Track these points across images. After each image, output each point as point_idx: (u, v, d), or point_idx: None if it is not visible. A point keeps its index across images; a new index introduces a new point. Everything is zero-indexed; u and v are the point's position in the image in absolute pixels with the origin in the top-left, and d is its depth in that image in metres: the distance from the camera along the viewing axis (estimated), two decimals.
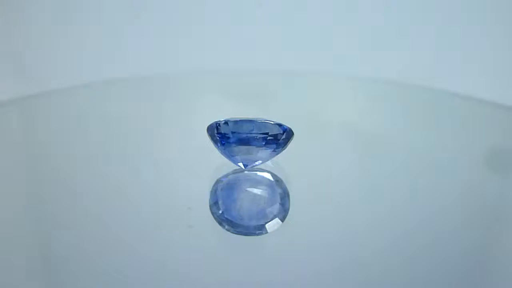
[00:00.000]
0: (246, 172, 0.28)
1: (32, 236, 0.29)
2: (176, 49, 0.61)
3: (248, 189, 0.27)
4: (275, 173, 0.28)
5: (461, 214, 0.31)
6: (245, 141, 0.29)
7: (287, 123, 0.30)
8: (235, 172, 0.29)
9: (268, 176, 0.27)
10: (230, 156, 0.30)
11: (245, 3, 0.61)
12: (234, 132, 0.29)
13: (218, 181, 0.27)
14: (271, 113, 0.37)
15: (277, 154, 0.30)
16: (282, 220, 0.27)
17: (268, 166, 0.30)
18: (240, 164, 0.30)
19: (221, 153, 0.30)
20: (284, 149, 0.30)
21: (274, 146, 0.29)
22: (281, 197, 0.27)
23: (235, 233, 0.27)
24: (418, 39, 0.61)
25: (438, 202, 0.31)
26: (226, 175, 0.28)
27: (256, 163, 0.30)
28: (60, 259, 0.27)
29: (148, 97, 0.49)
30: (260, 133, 0.29)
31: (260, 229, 0.27)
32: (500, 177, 0.37)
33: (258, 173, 0.28)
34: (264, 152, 0.29)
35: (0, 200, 0.31)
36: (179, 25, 0.61)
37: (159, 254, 0.26)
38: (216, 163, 0.31)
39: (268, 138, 0.29)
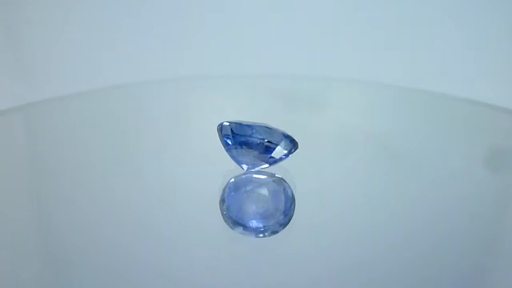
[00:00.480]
0: (255, 174, 0.28)
1: (39, 240, 0.29)
2: (187, 53, 0.61)
3: (252, 190, 0.27)
4: (286, 177, 0.28)
5: (466, 216, 0.31)
6: (245, 144, 0.30)
7: (298, 130, 0.30)
8: (246, 173, 0.29)
9: (276, 180, 0.28)
10: (233, 156, 0.30)
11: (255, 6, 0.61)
12: (236, 134, 0.30)
13: (229, 180, 0.28)
14: (277, 118, 0.37)
15: (279, 161, 0.30)
16: (285, 224, 0.27)
17: (279, 170, 0.30)
18: (244, 166, 0.30)
19: (227, 153, 0.31)
20: (287, 157, 0.30)
21: (274, 154, 0.30)
22: (285, 202, 0.27)
23: (237, 232, 0.27)
24: (425, 43, 0.61)
25: (443, 206, 0.31)
26: (238, 175, 0.28)
27: (260, 167, 0.30)
28: (67, 263, 0.27)
29: (158, 101, 0.49)
30: (259, 138, 0.30)
31: (259, 231, 0.27)
32: (504, 179, 0.37)
33: (268, 176, 0.28)
34: (264, 157, 0.30)
35: (4, 206, 0.31)
36: (190, 29, 0.62)
37: (160, 249, 0.27)
38: (233, 163, 0.32)
39: (266, 144, 0.30)
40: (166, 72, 0.60)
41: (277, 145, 0.30)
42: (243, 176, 0.28)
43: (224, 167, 0.32)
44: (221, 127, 0.30)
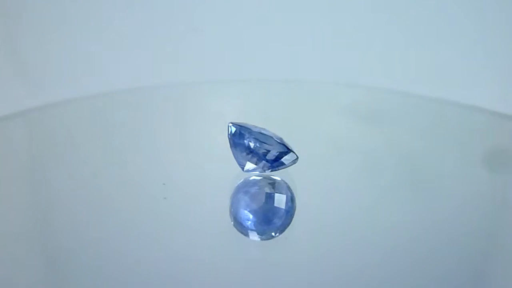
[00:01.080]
0: (264, 177, 0.29)
1: (39, 244, 0.29)
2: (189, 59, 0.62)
3: (255, 192, 0.28)
4: (291, 183, 0.29)
5: (468, 222, 0.31)
6: (242, 147, 0.31)
7: (303, 136, 0.30)
8: (260, 174, 0.30)
9: (280, 186, 0.28)
10: (235, 157, 0.31)
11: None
12: (235, 136, 0.31)
13: (240, 180, 0.29)
14: (289, 124, 0.38)
15: (275, 168, 0.31)
16: (281, 230, 0.27)
17: (286, 175, 0.31)
18: (245, 168, 0.31)
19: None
20: (284, 166, 0.31)
21: (269, 161, 0.30)
22: (285, 208, 0.27)
23: (238, 231, 0.28)
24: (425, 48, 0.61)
25: (445, 212, 0.31)
26: (249, 176, 0.29)
27: (258, 171, 0.31)
28: (68, 267, 0.27)
29: (162, 105, 0.49)
30: (253, 142, 0.30)
31: (256, 233, 0.27)
32: (506, 182, 0.37)
33: (273, 181, 0.28)
34: (258, 162, 0.30)
35: (4, 210, 0.31)
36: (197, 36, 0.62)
37: (161, 246, 0.28)
38: None
39: (258, 148, 0.30)
40: (167, 77, 0.60)
41: (268, 151, 0.30)
42: (251, 178, 0.28)
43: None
44: (227, 127, 0.31)
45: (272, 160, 0.30)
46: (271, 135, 0.31)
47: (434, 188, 0.34)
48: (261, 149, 0.30)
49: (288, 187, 0.28)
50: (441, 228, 0.29)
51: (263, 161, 0.30)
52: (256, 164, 0.31)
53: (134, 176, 0.35)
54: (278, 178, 0.28)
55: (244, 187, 0.28)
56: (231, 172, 0.32)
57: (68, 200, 0.32)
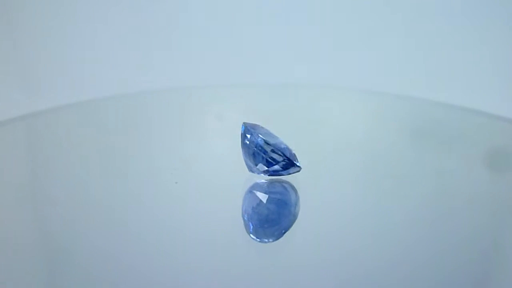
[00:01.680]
0: (274, 181, 0.29)
1: (39, 249, 0.29)
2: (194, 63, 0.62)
3: (260, 195, 0.28)
4: (298, 187, 0.29)
5: (469, 227, 0.31)
6: (248, 148, 0.31)
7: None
8: (271, 179, 0.30)
9: (286, 192, 0.28)
10: (243, 156, 0.31)
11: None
12: (243, 135, 0.31)
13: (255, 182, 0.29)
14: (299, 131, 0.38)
15: (276, 174, 0.31)
16: (278, 236, 0.27)
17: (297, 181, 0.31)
18: (252, 169, 0.31)
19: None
20: (285, 174, 0.31)
21: (271, 165, 0.31)
22: (285, 215, 0.27)
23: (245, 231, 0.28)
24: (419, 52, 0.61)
25: (446, 215, 0.31)
26: (262, 178, 0.29)
27: (259, 174, 0.31)
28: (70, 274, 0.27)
29: (166, 109, 0.49)
30: (254, 145, 0.31)
31: (255, 235, 0.27)
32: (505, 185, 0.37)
33: (280, 187, 0.28)
34: (261, 165, 0.31)
35: (3, 214, 0.31)
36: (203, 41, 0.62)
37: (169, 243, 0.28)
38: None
39: (256, 152, 0.30)
40: (167, 81, 0.60)
41: (271, 156, 0.30)
42: (262, 181, 0.29)
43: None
44: (242, 126, 0.32)
45: (274, 164, 0.31)
46: (277, 142, 0.31)
47: (436, 191, 0.34)
48: (262, 153, 0.30)
49: (297, 196, 0.28)
50: (444, 233, 0.30)
51: (265, 165, 0.31)
52: (258, 166, 0.31)
53: (138, 178, 0.35)
54: (290, 184, 0.28)
55: (255, 189, 0.28)
56: (239, 174, 0.32)
57: (69, 203, 0.32)
